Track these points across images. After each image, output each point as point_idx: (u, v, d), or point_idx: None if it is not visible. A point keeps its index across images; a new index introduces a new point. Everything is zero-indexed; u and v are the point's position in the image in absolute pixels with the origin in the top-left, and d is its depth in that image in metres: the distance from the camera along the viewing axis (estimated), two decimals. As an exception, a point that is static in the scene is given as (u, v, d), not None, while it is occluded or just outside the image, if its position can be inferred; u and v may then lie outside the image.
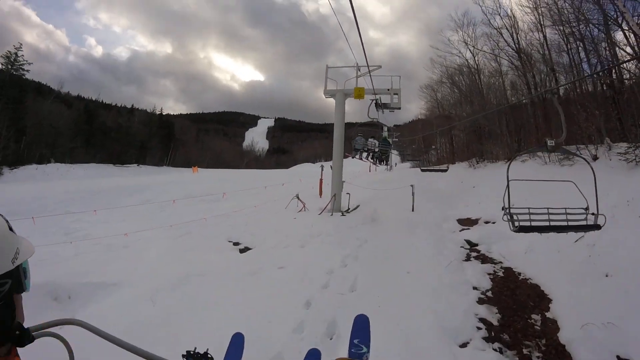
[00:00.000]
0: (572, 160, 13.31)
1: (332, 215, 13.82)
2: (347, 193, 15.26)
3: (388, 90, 15.11)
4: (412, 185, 15.26)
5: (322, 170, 18.83)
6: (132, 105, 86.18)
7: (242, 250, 10.33)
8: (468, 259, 9.29)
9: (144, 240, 11.56)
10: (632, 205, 7.71)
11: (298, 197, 15.54)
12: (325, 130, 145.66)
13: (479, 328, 5.58)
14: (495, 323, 5.73)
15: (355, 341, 1.83)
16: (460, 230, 12.23)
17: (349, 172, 40.16)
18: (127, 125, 68.35)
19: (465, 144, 33.11)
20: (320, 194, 18.57)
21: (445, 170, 18.10)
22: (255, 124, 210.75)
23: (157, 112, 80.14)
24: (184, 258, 9.27)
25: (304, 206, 15.25)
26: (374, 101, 14.67)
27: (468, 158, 29.95)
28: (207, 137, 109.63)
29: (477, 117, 23.49)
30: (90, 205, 17.04)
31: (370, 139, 15.66)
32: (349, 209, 15.15)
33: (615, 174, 9.78)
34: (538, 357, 4.73)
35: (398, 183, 23.48)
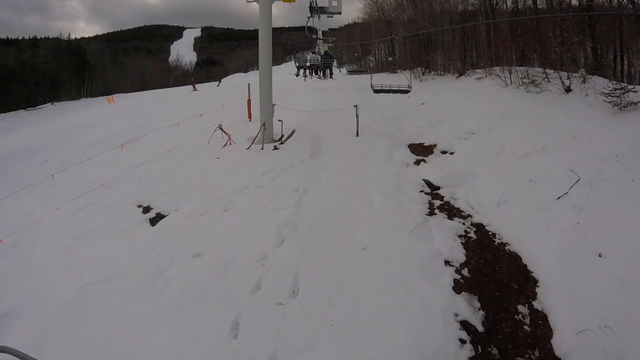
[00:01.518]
0: (540, 88, 11.76)
1: (262, 148, 11.44)
2: (279, 120, 12.72)
3: (326, -10, 12.08)
4: (355, 106, 12.96)
5: (250, 88, 15.60)
6: (35, 37, 72.90)
7: (153, 221, 8.02)
8: (432, 212, 7.68)
9: (31, 236, 8.07)
10: (621, 162, 6.27)
11: (221, 129, 12.84)
12: (255, 37, 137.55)
13: (462, 341, 4.32)
14: (479, 328, 4.56)
15: None
16: (415, 163, 10.57)
17: (280, 82, 36.91)
18: (31, 62, 57.96)
19: (408, 52, 30.69)
20: (250, 116, 15.74)
21: (408, 92, 15.98)
22: (181, 36, 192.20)
23: (65, 39, 68.69)
24: (79, 254, 6.87)
25: (230, 139, 12.68)
26: (310, 5, 11.64)
27: (411, 67, 27.83)
28: (127, 57, 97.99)
29: (428, 28, 20.97)
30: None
31: (311, 55, 15.00)
32: (282, 136, 12.77)
33: (596, 116, 8.33)
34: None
35: (339, 98, 21.29)
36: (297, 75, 15.56)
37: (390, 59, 12.98)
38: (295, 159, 10.16)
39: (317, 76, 16.11)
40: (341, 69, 51.68)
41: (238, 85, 34.97)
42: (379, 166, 9.91)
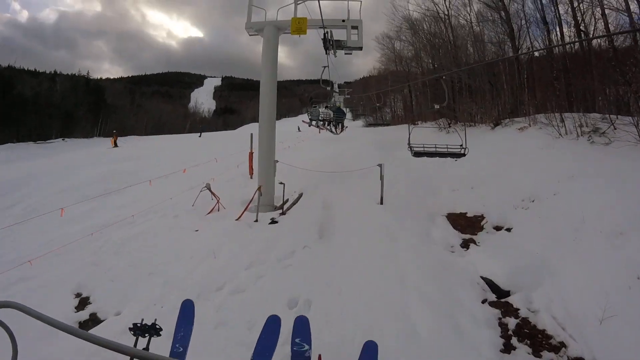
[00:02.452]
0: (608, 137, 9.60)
1: (256, 220, 8.71)
2: (281, 183, 10.06)
3: (343, 21, 9.73)
4: (380, 166, 10.30)
5: (252, 139, 13.00)
6: (55, 71, 74.00)
7: (84, 325, 5.60)
8: (508, 343, 4.91)
9: None
10: None
11: (210, 189, 10.21)
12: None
13: None
14: None
15: (297, 340, 1.76)
16: (462, 245, 7.82)
17: (293, 132, 34.74)
18: (47, 95, 57.92)
19: (429, 101, 28.42)
20: (251, 172, 13.12)
21: (464, 155, 13.85)
22: (202, 84, 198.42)
23: (84, 75, 69.17)
24: None
25: (218, 203, 10.03)
26: (324, 37, 9.31)
27: (434, 118, 25.42)
28: (145, 100, 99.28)
29: (461, 70, 18.81)
30: None
31: (323, 109, 14.58)
32: (285, 202, 10.10)
33: None
34: None
35: (356, 152, 18.77)
36: (310, 125, 14.87)
37: (437, 106, 9.60)
38: (297, 241, 7.34)
39: (328, 128, 15.06)
40: (358, 120, 50.13)
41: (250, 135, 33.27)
42: (416, 252, 7.06)
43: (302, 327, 1.95)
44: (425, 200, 10.75)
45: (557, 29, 16.76)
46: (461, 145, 8.39)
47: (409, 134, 8.70)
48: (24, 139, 47.92)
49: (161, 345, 2.23)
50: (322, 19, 8.16)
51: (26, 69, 73.75)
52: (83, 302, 6.17)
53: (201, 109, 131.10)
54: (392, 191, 10.62)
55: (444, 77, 7.93)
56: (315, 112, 14.42)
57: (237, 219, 8.84)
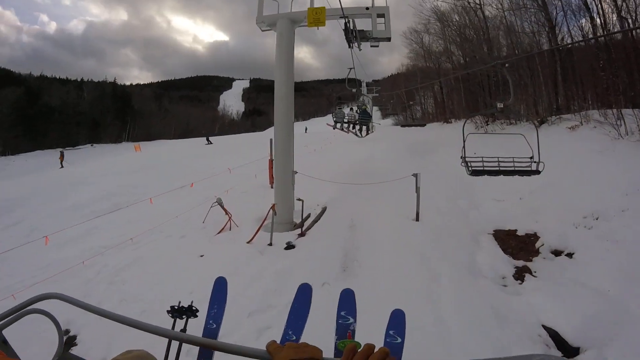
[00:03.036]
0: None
1: (271, 244, 7.50)
2: (299, 199, 8.80)
3: (367, 9, 8.36)
4: (415, 175, 8.86)
5: (272, 144, 11.57)
6: (82, 79, 75.76)
7: None
8: None
9: None
10: None
11: (221, 205, 9.08)
12: (302, 88, 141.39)
13: None
14: None
15: (342, 313, 1.59)
16: (516, 277, 6.51)
17: (320, 134, 33.14)
18: (74, 103, 59.07)
19: (463, 98, 26.58)
20: (271, 181, 11.87)
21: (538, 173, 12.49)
22: (230, 87, 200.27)
23: (110, 82, 70.33)
24: None
25: (230, 220, 8.91)
26: (346, 28, 8.02)
27: (468, 116, 23.66)
28: (173, 105, 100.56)
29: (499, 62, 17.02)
30: None
31: (349, 111, 14.41)
32: (304, 220, 8.87)
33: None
34: None
35: (386, 156, 17.34)
36: (335, 127, 14.49)
37: (500, 105, 7.78)
38: (314, 276, 6.02)
39: (353, 131, 14.75)
40: (387, 119, 48.47)
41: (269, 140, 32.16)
42: (460, 292, 5.69)
43: (347, 300, 1.70)
44: (467, 214, 9.35)
45: (598, 15, 14.79)
46: (531, 158, 6.10)
47: (464, 142, 6.21)
48: (52, 147, 48.76)
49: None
50: (341, 7, 6.89)
51: (57, 77, 75.76)
52: (69, 343, 5.31)
53: (230, 112, 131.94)
54: (428, 203, 9.17)
55: (506, 65, 6.03)
56: (340, 114, 14.26)
57: (248, 242, 7.66)
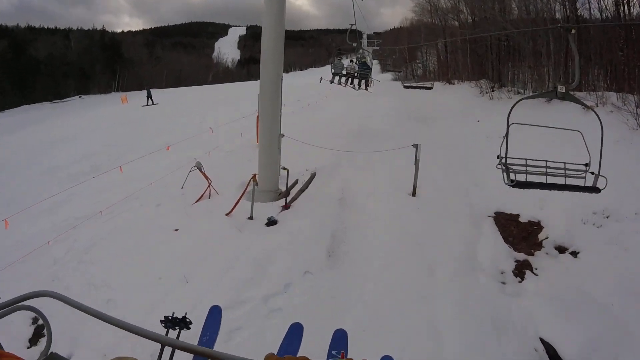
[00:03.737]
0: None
1: (251, 218, 6.84)
2: (284, 168, 8.03)
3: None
4: (415, 146, 8.04)
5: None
6: (69, 27, 71.51)
7: None
8: None
9: None
10: None
11: (200, 169, 8.31)
12: (300, 37, 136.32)
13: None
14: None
15: (333, 352, 1.74)
16: (515, 273, 5.98)
17: (309, 86, 31.32)
18: (61, 54, 56.18)
19: (469, 59, 25.23)
20: (258, 139, 11.00)
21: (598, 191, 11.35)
22: (226, 34, 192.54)
23: (98, 29, 66.73)
24: None
25: (209, 186, 8.20)
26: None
27: (474, 78, 22.44)
28: (166, 52, 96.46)
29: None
30: None
31: (348, 62, 13.89)
32: (290, 188, 8.24)
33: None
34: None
35: (385, 114, 16.42)
36: (332, 82, 13.74)
37: (561, 88, 6.36)
38: (296, 262, 5.43)
39: (351, 86, 14.12)
40: (387, 73, 46.73)
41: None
42: (457, 289, 5.15)
43: (340, 340, 1.78)
44: (468, 191, 8.64)
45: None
46: (586, 165, 4.42)
47: (506, 135, 3.95)
48: (39, 100, 46.79)
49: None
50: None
51: (46, 27, 71.84)
52: (37, 335, 4.94)
53: (225, 60, 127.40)
54: (427, 176, 8.45)
55: (572, 32, 4.06)
56: (339, 65, 13.73)
57: (227, 214, 6.98)
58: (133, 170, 10.08)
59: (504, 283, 5.63)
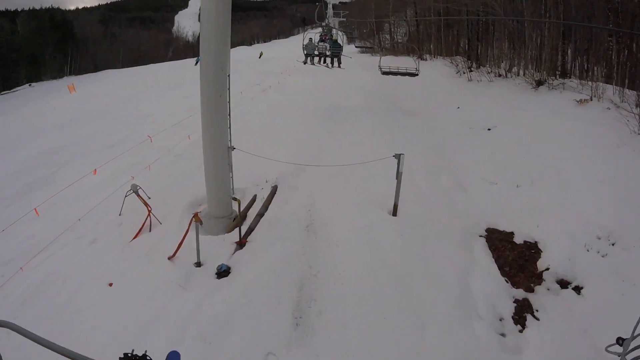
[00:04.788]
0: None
1: (198, 264, 5.55)
2: (234, 199, 6.47)
3: None
4: (398, 157, 6.60)
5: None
6: (15, 9, 65.00)
7: None
8: None
9: None
10: None
11: (137, 193, 6.81)
12: (263, 7, 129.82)
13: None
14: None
15: None
16: (515, 319, 5.09)
17: (272, 61, 28.94)
18: (7, 40, 50.95)
19: (442, 35, 23.92)
20: None
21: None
22: (186, 6, 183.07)
23: (47, 8, 61.46)
24: None
25: (149, 214, 6.80)
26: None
27: (448, 54, 21.23)
28: (124, 29, 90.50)
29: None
30: None
31: (320, 43, 14.12)
32: (246, 210, 7.09)
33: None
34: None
35: (355, 98, 15.09)
36: (305, 62, 14.29)
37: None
38: (255, 339, 4.19)
39: (324, 64, 14.57)
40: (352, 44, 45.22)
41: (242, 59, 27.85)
42: (454, 352, 4.08)
43: None
44: (454, 199, 7.59)
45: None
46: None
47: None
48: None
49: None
50: None
51: None
52: None
53: (185, 34, 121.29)
54: (407, 181, 6.96)
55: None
56: (311, 46, 13.96)
57: (170, 257, 5.63)
58: (74, 188, 8.38)
59: (503, 335, 4.70)
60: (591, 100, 9.63)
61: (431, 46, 26.41)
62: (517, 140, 9.20)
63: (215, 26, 5.88)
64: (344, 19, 27.92)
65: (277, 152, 8.13)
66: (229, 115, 6.42)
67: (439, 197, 7.62)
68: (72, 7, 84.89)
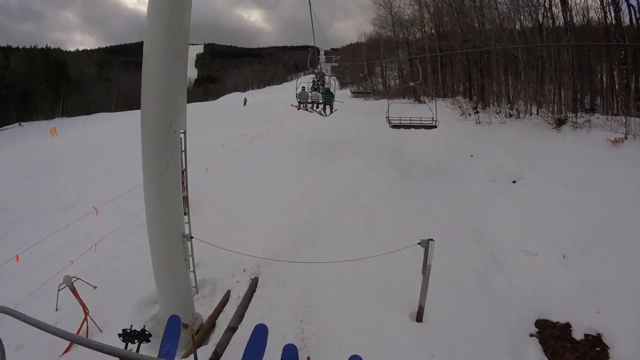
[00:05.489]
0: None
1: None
2: (185, 326, 3.87)
3: None
4: (425, 244, 4.83)
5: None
6: (9, 46, 65.31)
7: None
8: None
9: None
10: None
11: (71, 288, 5.01)
12: (258, 54, 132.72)
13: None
14: None
15: None
16: None
17: (265, 106, 27.39)
18: (0, 76, 50.68)
19: (441, 75, 22.86)
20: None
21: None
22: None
23: (41, 48, 61.42)
24: None
25: (86, 317, 5.10)
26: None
27: (447, 95, 19.93)
28: (119, 72, 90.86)
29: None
30: None
31: (312, 92, 13.90)
32: (215, 315, 5.38)
33: None
34: None
35: (355, 141, 13.54)
36: (299, 108, 13.95)
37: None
38: None
39: (317, 111, 14.28)
40: (345, 89, 44.82)
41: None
42: None
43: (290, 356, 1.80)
44: (491, 283, 5.85)
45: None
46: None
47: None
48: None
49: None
50: None
51: None
52: None
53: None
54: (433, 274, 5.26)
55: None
56: (304, 95, 13.96)
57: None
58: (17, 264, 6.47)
59: None
60: (626, 139, 8.08)
61: (429, 84, 25.22)
62: (551, 195, 7.54)
63: (165, 65, 4.22)
64: (337, 64, 28.38)
65: (260, 227, 6.37)
66: (186, 187, 4.67)
67: (471, 283, 5.84)
68: (73, 49, 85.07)
